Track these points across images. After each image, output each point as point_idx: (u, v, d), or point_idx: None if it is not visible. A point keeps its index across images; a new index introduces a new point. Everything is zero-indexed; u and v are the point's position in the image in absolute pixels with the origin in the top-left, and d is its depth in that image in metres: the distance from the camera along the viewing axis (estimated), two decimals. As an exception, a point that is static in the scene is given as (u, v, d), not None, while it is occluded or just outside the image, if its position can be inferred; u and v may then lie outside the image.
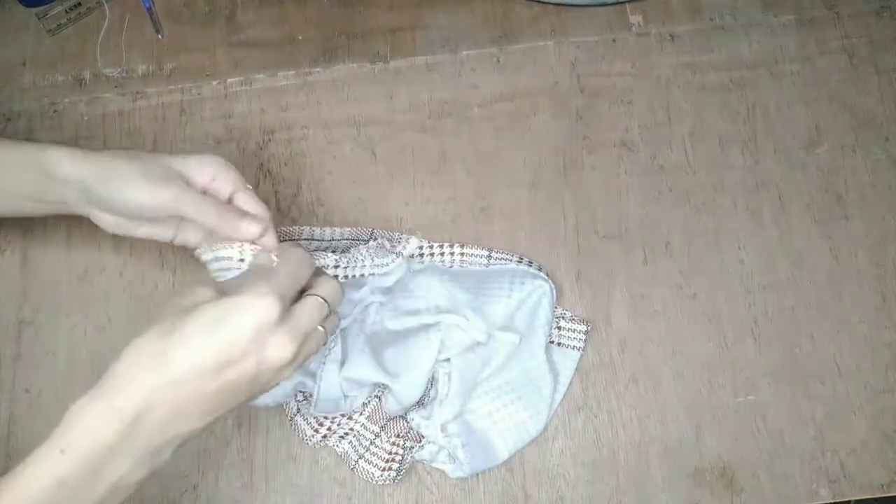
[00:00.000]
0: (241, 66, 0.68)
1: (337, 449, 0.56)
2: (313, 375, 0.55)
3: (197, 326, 0.41)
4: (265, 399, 0.53)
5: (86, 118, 0.66)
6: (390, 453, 0.55)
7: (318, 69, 0.67)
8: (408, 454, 0.55)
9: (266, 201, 0.62)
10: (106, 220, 0.52)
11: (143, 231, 0.53)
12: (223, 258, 0.48)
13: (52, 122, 0.66)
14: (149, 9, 0.67)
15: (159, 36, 0.69)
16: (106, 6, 0.69)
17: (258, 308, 0.41)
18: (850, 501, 0.56)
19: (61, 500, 0.39)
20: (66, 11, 0.68)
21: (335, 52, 0.68)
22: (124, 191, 0.49)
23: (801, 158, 0.64)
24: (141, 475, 0.41)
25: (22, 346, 0.60)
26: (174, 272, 0.61)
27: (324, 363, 0.54)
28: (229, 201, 0.51)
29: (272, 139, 0.65)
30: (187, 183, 0.50)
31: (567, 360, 0.58)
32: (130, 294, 0.61)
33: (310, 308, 0.45)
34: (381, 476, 0.54)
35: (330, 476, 0.56)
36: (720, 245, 0.61)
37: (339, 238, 0.60)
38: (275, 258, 0.47)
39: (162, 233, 0.53)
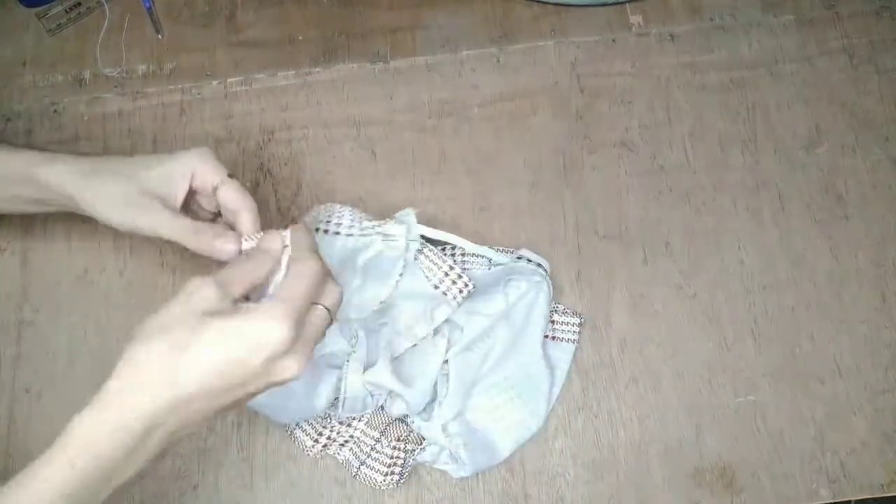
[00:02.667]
0: (241, 66, 0.68)
1: (338, 457, 0.56)
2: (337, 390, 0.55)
3: (210, 348, 0.40)
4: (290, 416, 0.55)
5: (86, 118, 0.66)
6: (392, 458, 0.55)
7: (318, 69, 0.67)
8: (409, 457, 0.55)
9: (266, 201, 0.63)
10: (110, 223, 0.52)
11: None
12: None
13: (52, 122, 0.66)
14: (149, 9, 0.67)
15: (159, 36, 0.69)
16: (106, 6, 0.69)
17: (274, 335, 0.41)
18: (850, 501, 0.56)
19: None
20: (66, 11, 0.68)
21: (335, 52, 0.68)
22: (104, 214, 0.50)
23: (801, 158, 0.64)
24: (147, 470, 0.42)
25: (22, 346, 0.60)
26: (174, 272, 0.61)
27: (348, 362, 0.54)
28: (214, 194, 0.51)
29: (272, 139, 0.65)
30: (169, 191, 0.50)
31: (563, 354, 0.58)
32: (130, 294, 0.61)
33: (318, 321, 0.44)
34: (384, 481, 0.54)
35: (330, 476, 0.56)
36: (720, 245, 0.61)
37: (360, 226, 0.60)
38: (283, 267, 0.46)
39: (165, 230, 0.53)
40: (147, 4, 0.67)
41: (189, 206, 0.53)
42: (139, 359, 0.40)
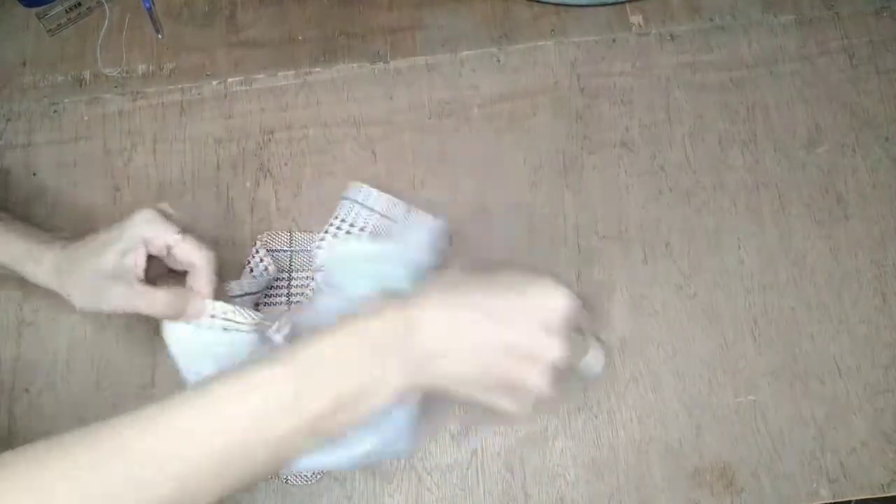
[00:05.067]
0: (241, 66, 0.68)
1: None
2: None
3: (504, 281, 0.42)
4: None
5: (86, 118, 0.66)
6: None
7: (318, 69, 0.67)
8: None
9: (266, 201, 0.63)
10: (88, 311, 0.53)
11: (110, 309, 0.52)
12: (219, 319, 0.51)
13: (52, 122, 0.66)
14: (149, 9, 0.67)
15: (159, 36, 0.69)
16: (106, 6, 0.69)
17: (563, 296, 0.41)
18: (850, 501, 0.56)
19: (333, 373, 0.39)
20: (66, 11, 0.68)
21: (335, 52, 0.68)
22: (86, 306, 0.51)
23: (801, 158, 0.64)
24: (386, 396, 0.41)
25: (22, 346, 0.60)
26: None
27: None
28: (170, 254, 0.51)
29: (272, 139, 0.65)
30: (128, 273, 0.50)
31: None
32: (130, 294, 0.61)
33: (578, 342, 0.45)
34: (313, 474, 0.55)
35: (330, 476, 0.56)
36: (720, 245, 0.61)
37: (372, 206, 0.61)
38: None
39: (129, 305, 0.52)
40: (147, 4, 0.67)
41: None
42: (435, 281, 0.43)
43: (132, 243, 0.50)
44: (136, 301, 0.49)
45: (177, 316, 0.50)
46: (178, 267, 0.52)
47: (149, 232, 0.50)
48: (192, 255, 0.50)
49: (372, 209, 0.61)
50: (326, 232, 0.60)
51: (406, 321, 0.40)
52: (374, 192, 0.62)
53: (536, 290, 0.42)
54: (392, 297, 0.42)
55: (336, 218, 0.61)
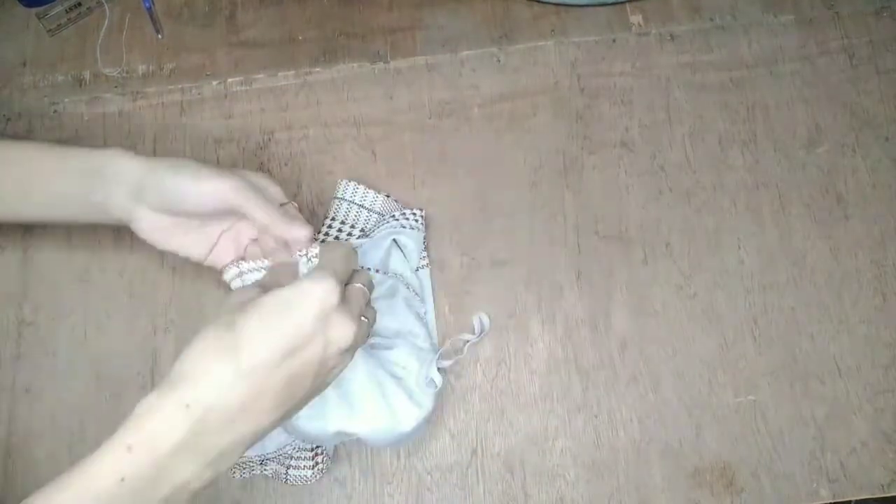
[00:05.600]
0: (241, 66, 0.68)
1: (266, 473, 0.55)
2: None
3: (262, 315, 0.41)
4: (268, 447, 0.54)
5: (86, 118, 0.66)
6: (313, 449, 0.54)
7: (318, 69, 0.67)
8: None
9: (266, 201, 0.63)
10: (148, 223, 0.52)
11: (177, 242, 0.53)
12: (247, 273, 0.50)
13: (52, 122, 0.66)
14: (149, 9, 0.67)
15: (159, 36, 0.69)
16: (106, 6, 0.69)
17: (320, 291, 0.42)
18: (850, 501, 0.56)
19: (122, 500, 0.37)
20: (66, 11, 0.68)
21: (335, 52, 0.68)
22: (190, 180, 0.50)
23: (801, 158, 0.64)
24: (205, 479, 0.40)
25: (22, 346, 0.60)
26: (174, 272, 0.61)
27: None
28: None
29: (272, 139, 0.65)
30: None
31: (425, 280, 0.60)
32: (130, 294, 0.61)
33: (357, 293, 0.45)
34: (314, 474, 0.54)
35: (330, 476, 0.56)
36: (720, 245, 0.61)
37: (370, 207, 0.62)
38: (303, 261, 0.49)
39: (197, 248, 0.54)
40: (147, 4, 0.67)
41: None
42: (197, 346, 0.40)
43: (252, 175, 0.53)
44: (251, 195, 0.50)
45: (275, 227, 0.50)
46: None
47: (269, 185, 0.53)
48: (299, 219, 0.52)
49: (370, 209, 0.61)
50: (326, 234, 0.60)
51: (186, 412, 0.39)
52: (368, 190, 0.62)
53: (300, 300, 0.42)
54: (164, 385, 0.40)
55: (333, 220, 0.61)
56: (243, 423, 0.40)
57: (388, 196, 0.62)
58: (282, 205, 0.53)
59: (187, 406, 0.39)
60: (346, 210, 0.61)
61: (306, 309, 0.41)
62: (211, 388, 0.39)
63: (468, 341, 0.58)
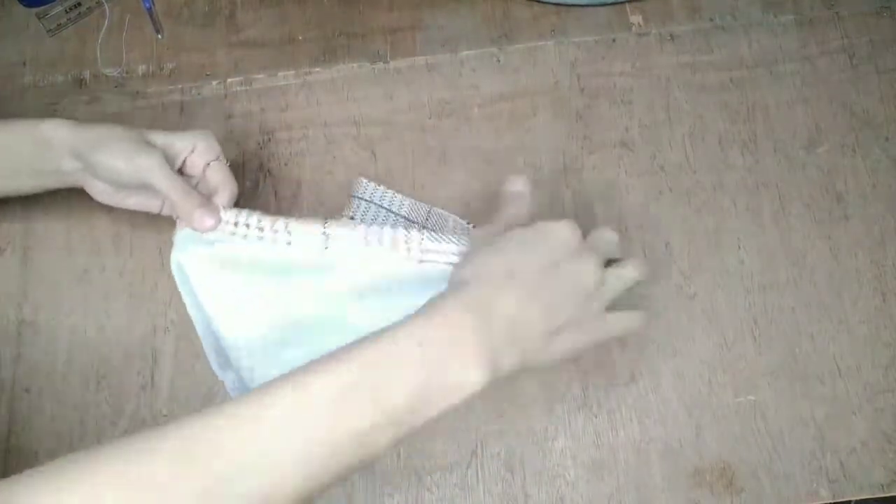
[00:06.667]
0: (241, 66, 0.68)
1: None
2: None
3: (525, 237, 0.45)
4: None
5: (86, 118, 0.66)
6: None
7: (318, 69, 0.67)
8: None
9: (266, 201, 0.63)
10: (97, 189, 0.56)
11: (132, 201, 0.57)
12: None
13: (52, 122, 0.66)
14: (149, 9, 0.67)
15: (159, 36, 0.69)
16: (106, 6, 0.70)
17: (568, 228, 0.46)
18: (850, 501, 0.56)
19: (409, 385, 0.40)
20: (66, 11, 0.68)
21: (335, 52, 0.68)
22: (107, 156, 0.52)
23: (801, 158, 0.64)
24: (482, 383, 0.41)
25: (22, 346, 0.60)
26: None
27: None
28: (204, 171, 0.55)
29: (272, 139, 0.65)
30: (168, 158, 0.53)
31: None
32: (130, 294, 0.61)
33: (601, 243, 0.49)
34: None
35: (330, 476, 0.56)
36: (720, 245, 0.61)
37: (397, 211, 0.61)
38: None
39: (150, 203, 0.57)
40: (147, 4, 0.67)
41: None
42: (475, 261, 0.45)
43: (185, 141, 0.55)
44: (165, 174, 0.52)
45: (186, 212, 0.51)
46: (204, 190, 0.55)
47: (202, 141, 0.55)
48: (225, 178, 0.55)
49: (398, 213, 0.61)
50: None
51: (475, 309, 0.42)
52: (389, 192, 0.61)
53: (549, 231, 0.46)
54: (453, 285, 0.44)
55: (352, 219, 0.60)
56: (520, 329, 0.43)
57: (419, 202, 0.62)
58: (208, 164, 0.55)
59: (474, 304, 0.42)
60: (366, 210, 0.61)
61: (561, 235, 0.46)
62: (490, 290, 0.43)
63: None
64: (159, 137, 0.54)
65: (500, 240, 0.46)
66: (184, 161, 0.55)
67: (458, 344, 0.41)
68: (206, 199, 0.53)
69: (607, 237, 0.50)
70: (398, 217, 0.61)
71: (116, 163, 0.52)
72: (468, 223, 0.61)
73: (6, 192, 0.57)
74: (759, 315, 0.60)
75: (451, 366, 0.40)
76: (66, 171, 0.55)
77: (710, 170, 0.64)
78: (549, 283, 0.44)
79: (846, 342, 0.59)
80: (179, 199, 0.52)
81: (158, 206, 0.57)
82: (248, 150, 0.65)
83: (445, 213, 0.62)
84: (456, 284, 0.44)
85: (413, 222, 0.61)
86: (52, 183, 0.56)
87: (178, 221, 0.53)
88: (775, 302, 0.60)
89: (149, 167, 0.52)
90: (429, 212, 0.62)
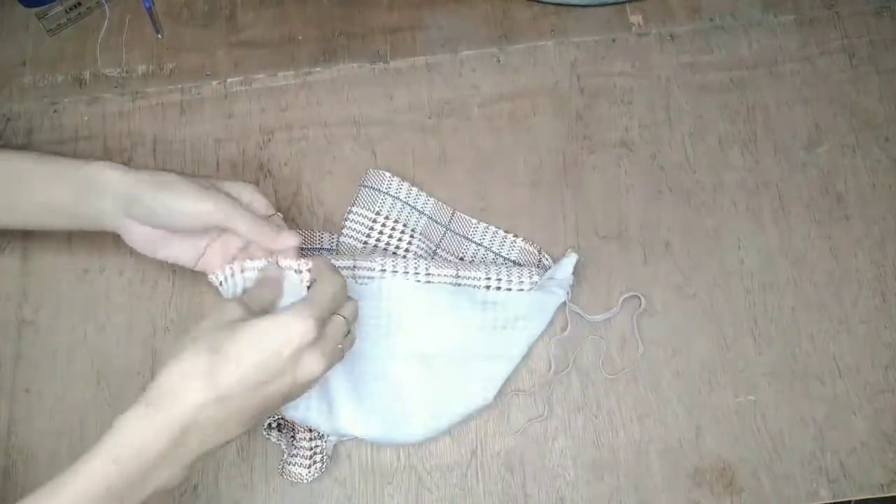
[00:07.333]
0: (241, 66, 0.68)
1: (270, 438, 0.56)
2: None
3: (243, 345, 0.43)
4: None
5: (86, 118, 0.66)
6: (311, 448, 0.55)
7: (318, 69, 0.67)
8: (327, 443, 0.55)
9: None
10: (138, 235, 0.54)
11: (172, 252, 0.55)
12: (237, 275, 0.51)
13: (52, 122, 0.66)
14: (149, 9, 0.67)
15: (159, 36, 0.69)
16: (106, 6, 0.69)
17: (299, 329, 0.44)
18: (850, 501, 0.56)
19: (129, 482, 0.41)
20: (66, 11, 0.68)
21: (335, 52, 0.68)
22: (173, 198, 0.51)
23: (801, 158, 0.64)
24: (181, 479, 0.43)
25: (22, 346, 0.60)
26: (174, 272, 0.61)
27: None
28: None
29: (272, 139, 0.65)
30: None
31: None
32: (130, 294, 0.61)
33: (337, 327, 0.47)
34: (309, 473, 0.54)
35: (330, 476, 0.56)
36: (720, 245, 0.61)
37: (421, 210, 0.61)
38: (301, 270, 0.50)
39: (187, 255, 0.55)
40: (147, 4, 0.67)
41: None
42: (179, 366, 0.43)
43: (239, 187, 0.54)
44: (233, 210, 0.51)
45: (260, 239, 0.51)
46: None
47: (256, 197, 0.55)
48: (287, 231, 0.53)
49: (422, 212, 0.61)
50: (353, 222, 0.60)
51: (169, 428, 0.42)
52: (414, 189, 0.62)
53: (271, 331, 0.44)
54: (152, 392, 0.43)
55: (366, 209, 0.61)
56: (216, 438, 0.44)
57: (441, 203, 0.62)
58: (269, 217, 0.54)
59: (170, 425, 0.41)
60: (391, 205, 0.61)
61: (281, 346, 0.43)
62: (189, 412, 0.42)
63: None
64: (218, 182, 0.54)
65: (221, 342, 0.43)
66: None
67: (153, 466, 0.42)
68: (279, 221, 0.54)
69: (349, 311, 0.49)
70: (421, 215, 0.61)
71: (183, 203, 0.51)
72: (515, 237, 0.61)
73: (35, 226, 0.56)
74: (759, 315, 0.60)
75: (147, 479, 0.42)
76: (107, 215, 0.53)
77: (710, 170, 0.64)
78: (258, 400, 0.44)
79: (846, 342, 0.59)
80: (256, 230, 0.51)
81: (195, 259, 0.55)
82: (248, 150, 0.65)
83: (468, 217, 0.62)
84: (156, 395, 0.42)
85: (437, 223, 0.61)
86: (87, 224, 0.54)
87: (209, 276, 0.53)
88: (775, 302, 0.60)
89: (218, 205, 0.51)
90: (452, 215, 0.62)
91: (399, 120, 0.66)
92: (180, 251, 0.55)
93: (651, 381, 0.58)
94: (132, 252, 0.61)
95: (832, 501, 0.56)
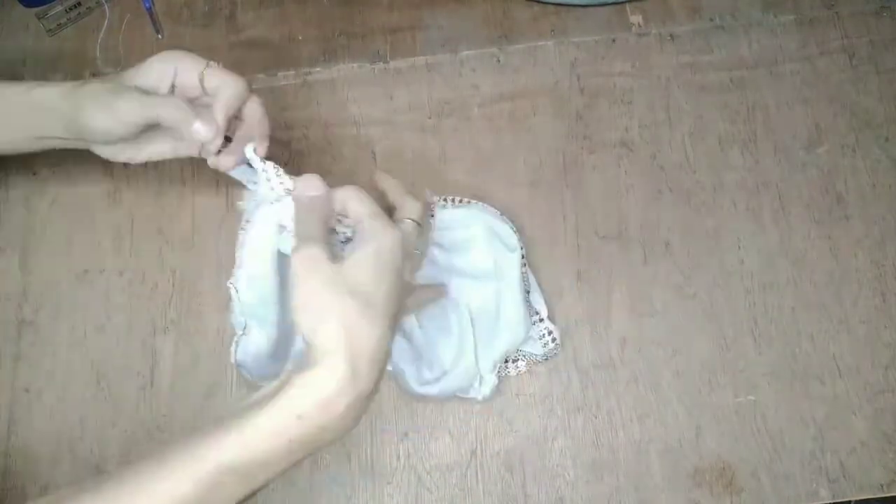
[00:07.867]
0: (241, 66, 0.68)
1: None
2: None
3: (360, 268, 0.43)
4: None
5: (86, 118, 0.66)
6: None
7: (318, 69, 0.67)
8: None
9: (266, 201, 0.63)
10: (103, 151, 0.53)
11: (146, 153, 0.54)
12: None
13: (52, 122, 0.66)
14: (149, 9, 0.67)
15: (159, 36, 0.69)
16: (106, 6, 0.69)
17: (396, 237, 0.45)
18: (850, 501, 0.56)
19: (285, 458, 0.41)
20: (66, 11, 0.68)
21: (335, 52, 0.68)
22: (89, 119, 0.50)
23: (801, 158, 0.64)
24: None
25: (22, 346, 0.60)
26: (174, 272, 0.61)
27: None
28: (201, 83, 0.52)
29: (272, 139, 0.65)
30: (153, 91, 0.51)
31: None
32: (130, 294, 0.61)
33: (411, 230, 0.49)
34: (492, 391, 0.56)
35: (330, 476, 0.56)
36: (720, 245, 0.61)
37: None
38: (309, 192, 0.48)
39: (163, 148, 0.54)
40: (147, 5, 0.67)
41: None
42: (336, 325, 0.41)
43: (163, 64, 0.51)
44: (150, 106, 0.49)
45: (182, 124, 0.49)
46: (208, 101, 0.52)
47: (181, 60, 0.51)
48: (225, 78, 0.51)
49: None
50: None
51: (347, 379, 0.40)
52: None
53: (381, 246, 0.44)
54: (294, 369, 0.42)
55: None
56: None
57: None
58: (207, 65, 0.52)
59: (346, 373, 0.40)
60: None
61: (399, 256, 0.44)
62: (363, 350, 0.41)
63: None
64: (133, 78, 0.51)
65: (360, 282, 0.43)
66: (172, 87, 0.52)
67: (332, 415, 0.40)
68: (196, 112, 0.50)
69: (417, 209, 0.50)
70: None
71: (100, 121, 0.49)
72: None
73: (12, 151, 0.55)
74: (758, 315, 0.60)
75: (323, 437, 0.41)
76: (67, 136, 0.52)
77: (710, 170, 0.64)
78: (391, 297, 0.44)
79: (846, 342, 0.59)
80: (171, 114, 0.49)
81: (172, 149, 0.54)
82: (248, 150, 0.65)
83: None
84: (319, 355, 0.41)
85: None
86: (58, 145, 0.54)
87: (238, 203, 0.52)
88: (775, 302, 0.60)
89: (133, 111, 0.49)
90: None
91: (399, 120, 0.66)
92: (155, 146, 0.54)
93: (651, 381, 0.58)
94: (132, 252, 0.62)
95: (832, 501, 0.56)
